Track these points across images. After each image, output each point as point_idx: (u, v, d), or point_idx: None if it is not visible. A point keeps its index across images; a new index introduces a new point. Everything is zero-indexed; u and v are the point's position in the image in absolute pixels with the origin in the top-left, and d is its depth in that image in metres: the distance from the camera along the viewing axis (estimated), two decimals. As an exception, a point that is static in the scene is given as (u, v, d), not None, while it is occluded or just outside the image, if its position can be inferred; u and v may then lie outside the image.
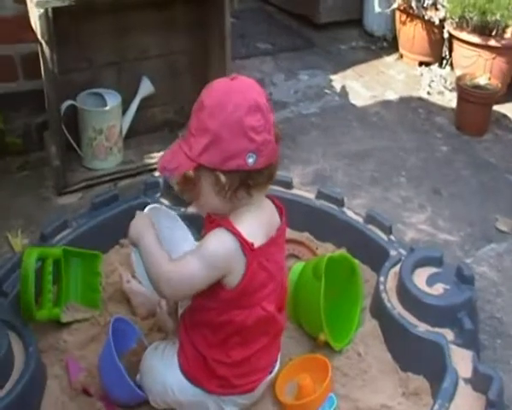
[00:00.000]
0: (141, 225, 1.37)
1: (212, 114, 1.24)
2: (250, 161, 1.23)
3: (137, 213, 1.44)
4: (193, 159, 1.26)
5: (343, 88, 3.20)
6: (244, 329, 1.37)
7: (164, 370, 1.44)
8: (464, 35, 3.08)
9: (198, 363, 1.41)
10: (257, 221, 1.33)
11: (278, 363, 1.54)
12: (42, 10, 2.05)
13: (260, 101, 1.25)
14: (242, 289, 1.31)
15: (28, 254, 1.60)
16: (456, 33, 3.13)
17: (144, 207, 1.49)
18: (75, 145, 2.40)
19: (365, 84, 3.26)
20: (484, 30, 3.02)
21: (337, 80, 3.29)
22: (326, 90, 3.18)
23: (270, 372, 1.51)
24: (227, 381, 1.41)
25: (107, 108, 2.36)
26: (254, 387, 1.46)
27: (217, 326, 1.38)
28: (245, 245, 1.28)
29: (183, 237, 1.59)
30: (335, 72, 3.37)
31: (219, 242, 1.28)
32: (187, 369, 1.42)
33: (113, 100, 2.40)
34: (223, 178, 1.26)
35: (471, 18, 3.02)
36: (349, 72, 3.38)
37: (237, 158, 1.23)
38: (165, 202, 2.02)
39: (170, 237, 1.49)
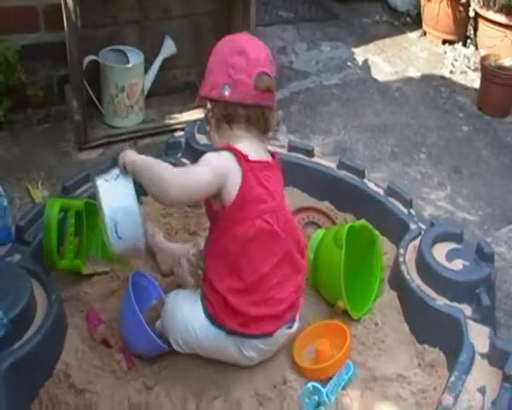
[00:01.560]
0: (131, 153, 1.50)
1: (213, 54, 1.51)
2: (225, 92, 1.43)
3: (123, 149, 1.56)
4: (200, 90, 1.51)
5: (365, 62, 3.17)
6: (247, 241, 1.43)
7: (187, 311, 1.48)
8: (490, 14, 3.04)
9: (219, 304, 1.44)
10: (250, 145, 1.47)
11: (297, 321, 1.55)
12: (70, -40, 2.03)
13: (250, 51, 1.45)
14: (240, 199, 1.41)
15: (51, 204, 1.61)
16: (482, 12, 3.09)
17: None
18: (96, 101, 2.39)
19: (387, 60, 3.23)
20: (511, 10, 2.97)
21: (359, 54, 3.25)
22: (348, 63, 3.15)
23: (290, 327, 1.52)
24: (247, 314, 1.43)
25: (130, 65, 2.34)
26: (272, 330, 1.47)
27: (224, 249, 1.44)
28: (240, 156, 1.43)
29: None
30: (357, 45, 3.34)
31: (216, 153, 1.45)
32: (211, 311, 1.45)
33: (135, 58, 2.38)
34: (209, 105, 1.49)
35: (499, -4, 2.97)
36: (371, 46, 3.35)
37: (217, 88, 1.45)
38: (186, 161, 2.02)
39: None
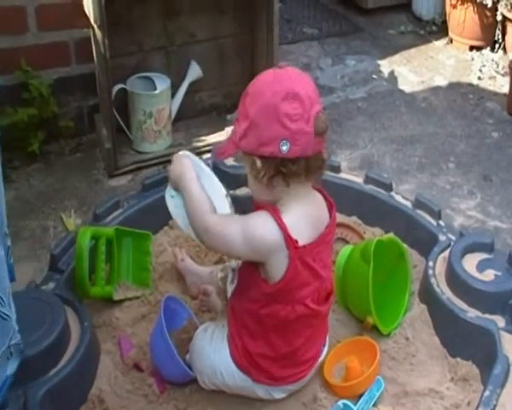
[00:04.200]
0: (180, 167, 1.39)
1: (252, 100, 1.28)
2: (284, 148, 1.24)
3: (174, 156, 1.44)
4: (235, 143, 1.30)
5: (391, 73, 3.16)
6: (287, 323, 1.38)
7: (213, 353, 1.47)
8: (519, 17, 3.00)
9: (245, 355, 1.43)
10: (304, 216, 1.33)
11: (327, 346, 1.55)
12: (95, -4, 2.09)
13: (300, 90, 1.25)
14: (284, 285, 1.31)
15: (82, 233, 1.65)
16: (510, 16, 3.05)
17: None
18: (125, 128, 2.45)
19: (414, 70, 3.21)
20: (539, 12, 2.94)
21: (385, 66, 3.25)
22: (373, 76, 3.15)
23: (319, 358, 1.52)
24: (273, 375, 1.43)
25: (157, 91, 2.40)
26: (301, 378, 1.48)
27: (260, 318, 1.39)
28: (288, 241, 1.28)
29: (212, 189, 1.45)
30: (383, 57, 3.33)
31: (264, 227, 1.28)
32: (237, 359, 1.44)
33: (162, 83, 2.43)
34: (258, 163, 1.28)
35: (527, -1, 2.94)
36: (397, 57, 3.34)
37: (271, 145, 1.25)
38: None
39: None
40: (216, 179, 1.43)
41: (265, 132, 1.25)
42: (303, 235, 1.31)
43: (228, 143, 1.33)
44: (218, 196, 1.39)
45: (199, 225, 1.32)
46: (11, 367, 1.29)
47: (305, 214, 1.33)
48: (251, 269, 1.36)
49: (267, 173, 1.28)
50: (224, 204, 1.38)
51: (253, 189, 1.37)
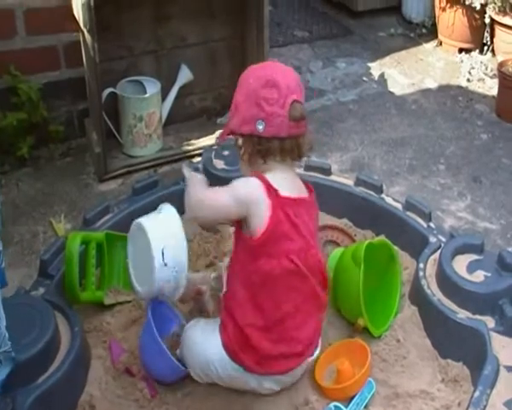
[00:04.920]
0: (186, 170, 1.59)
1: (239, 86, 1.48)
2: (260, 127, 1.42)
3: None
4: (227, 126, 1.51)
5: (381, 76, 3.18)
6: (272, 278, 1.42)
7: (205, 344, 1.48)
8: (507, 20, 3.02)
9: (237, 338, 1.44)
10: (282, 179, 1.46)
11: (319, 347, 1.55)
12: (84, 0, 2.09)
13: (280, 79, 1.43)
14: (268, 236, 1.40)
15: (72, 238, 1.65)
16: (498, 18, 3.07)
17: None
18: (115, 132, 2.44)
19: (404, 72, 3.23)
20: (527, 15, 2.96)
21: (375, 68, 3.26)
22: (364, 78, 3.16)
23: (311, 355, 1.52)
24: (264, 355, 1.43)
25: (147, 95, 2.39)
26: (292, 367, 1.47)
27: (248, 277, 1.44)
28: (269, 189, 1.41)
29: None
30: (373, 59, 3.34)
31: (245, 181, 1.45)
32: (227, 343, 1.45)
33: (152, 87, 2.43)
34: (240, 141, 1.47)
35: (515, 1, 2.96)
36: (387, 59, 3.35)
37: (250, 124, 1.42)
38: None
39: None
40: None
41: (246, 113, 1.43)
42: (282, 188, 1.43)
43: (224, 128, 1.53)
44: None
45: (194, 203, 1.47)
46: (1, 374, 1.28)
47: (283, 178, 1.46)
48: (239, 232, 1.48)
49: (247, 151, 1.46)
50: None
51: (242, 170, 1.54)
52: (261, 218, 1.40)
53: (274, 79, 1.42)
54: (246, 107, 1.43)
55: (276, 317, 1.44)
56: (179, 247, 1.49)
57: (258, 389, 1.49)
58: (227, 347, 1.45)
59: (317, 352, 1.55)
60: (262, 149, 1.43)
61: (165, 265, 1.46)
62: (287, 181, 1.46)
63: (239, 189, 1.43)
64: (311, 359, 1.52)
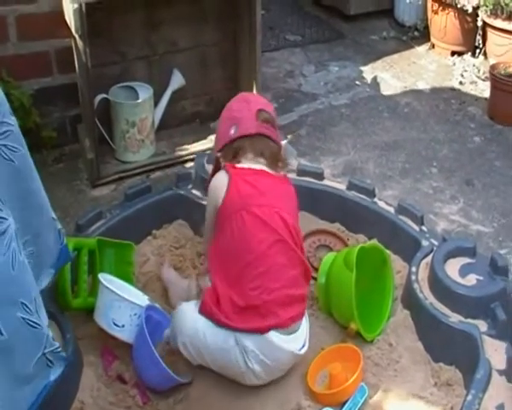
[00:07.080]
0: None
1: (220, 117, 1.71)
2: (232, 132, 1.62)
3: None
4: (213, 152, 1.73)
5: (374, 79, 3.18)
6: (235, 234, 1.52)
7: (196, 314, 1.53)
8: (498, 22, 3.03)
9: (211, 295, 1.51)
10: (250, 165, 1.60)
11: (307, 345, 1.55)
12: (76, 5, 2.08)
13: (252, 98, 1.73)
14: (229, 198, 1.54)
15: (64, 244, 1.64)
16: (489, 21, 3.08)
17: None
18: (108, 138, 2.44)
19: (396, 75, 3.23)
20: (519, 17, 2.97)
21: (368, 71, 3.27)
22: (356, 82, 3.17)
23: (292, 322, 1.51)
24: (233, 306, 1.47)
25: (140, 100, 2.39)
26: (270, 325, 1.46)
27: (218, 247, 1.56)
28: (228, 167, 1.58)
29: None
30: (366, 63, 3.35)
31: (215, 179, 1.62)
32: (205, 303, 1.51)
33: (144, 93, 2.43)
34: (219, 154, 1.66)
35: (506, 4, 2.96)
36: (380, 63, 3.36)
37: (225, 135, 1.63)
38: (197, 192, 2.04)
39: None
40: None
41: (222, 129, 1.66)
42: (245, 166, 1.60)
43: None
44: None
45: None
46: (54, 374, 1.28)
47: (251, 166, 1.61)
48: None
49: (226, 158, 1.62)
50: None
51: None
52: (223, 190, 1.55)
53: (246, 97, 1.74)
54: (223, 125, 1.66)
55: (239, 266, 1.50)
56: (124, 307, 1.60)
57: (244, 372, 1.48)
58: (205, 307, 1.51)
59: (305, 348, 1.54)
60: (235, 148, 1.60)
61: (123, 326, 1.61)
62: (254, 166, 1.60)
63: (209, 191, 1.63)
64: (299, 353, 1.52)
